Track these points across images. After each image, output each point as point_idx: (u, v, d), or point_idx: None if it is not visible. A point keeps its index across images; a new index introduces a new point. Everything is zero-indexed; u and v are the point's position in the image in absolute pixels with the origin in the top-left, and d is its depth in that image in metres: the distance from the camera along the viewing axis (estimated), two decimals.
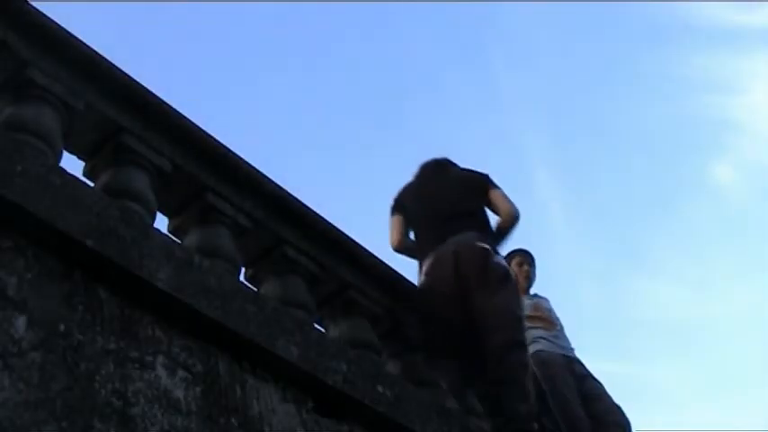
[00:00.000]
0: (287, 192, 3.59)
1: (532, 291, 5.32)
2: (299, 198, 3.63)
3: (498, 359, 3.70)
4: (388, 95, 15.08)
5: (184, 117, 3.33)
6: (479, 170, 4.55)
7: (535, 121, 14.08)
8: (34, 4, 2.99)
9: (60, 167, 2.58)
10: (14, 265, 2.09)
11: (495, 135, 14.94)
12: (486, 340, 3.75)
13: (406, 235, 4.40)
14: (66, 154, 3.12)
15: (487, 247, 3.99)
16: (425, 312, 3.96)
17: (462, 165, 4.62)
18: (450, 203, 4.25)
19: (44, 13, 3.00)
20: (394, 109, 14.86)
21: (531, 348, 4.47)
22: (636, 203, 15.57)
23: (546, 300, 5.16)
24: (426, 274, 3.98)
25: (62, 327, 2.11)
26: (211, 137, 3.40)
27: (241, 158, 3.47)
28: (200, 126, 3.39)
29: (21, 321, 2.03)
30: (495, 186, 4.40)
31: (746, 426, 10.39)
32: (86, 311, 2.19)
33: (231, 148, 3.46)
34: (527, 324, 4.44)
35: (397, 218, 4.40)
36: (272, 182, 3.55)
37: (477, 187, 4.37)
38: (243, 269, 3.53)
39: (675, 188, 15.23)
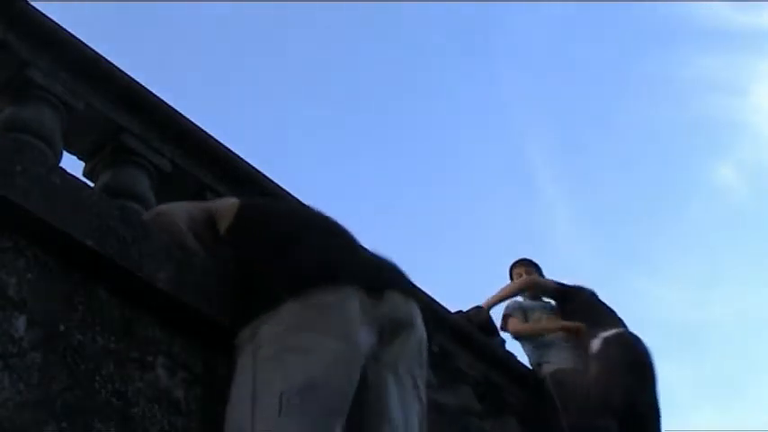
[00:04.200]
0: (287, 191, 3.59)
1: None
2: (299, 198, 3.63)
3: None
4: (388, 95, 15.08)
5: (184, 117, 3.33)
6: None
7: (538, 121, 14.08)
8: (34, 4, 2.99)
9: (60, 167, 2.58)
10: (14, 265, 2.09)
11: (498, 136, 14.96)
12: None
13: None
14: (66, 154, 3.12)
15: None
16: None
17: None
18: None
19: (44, 13, 3.00)
20: (395, 109, 14.86)
21: (550, 367, 4.53)
22: (639, 204, 15.57)
23: None
24: None
25: (62, 327, 2.11)
26: (211, 136, 3.40)
27: (241, 158, 3.47)
28: (200, 126, 3.39)
29: (21, 321, 2.02)
30: None
31: (751, 426, 10.40)
32: (86, 311, 2.19)
33: (231, 148, 3.46)
34: (546, 336, 4.57)
35: None
36: (273, 181, 3.55)
37: None
38: None
39: (679, 189, 15.23)
